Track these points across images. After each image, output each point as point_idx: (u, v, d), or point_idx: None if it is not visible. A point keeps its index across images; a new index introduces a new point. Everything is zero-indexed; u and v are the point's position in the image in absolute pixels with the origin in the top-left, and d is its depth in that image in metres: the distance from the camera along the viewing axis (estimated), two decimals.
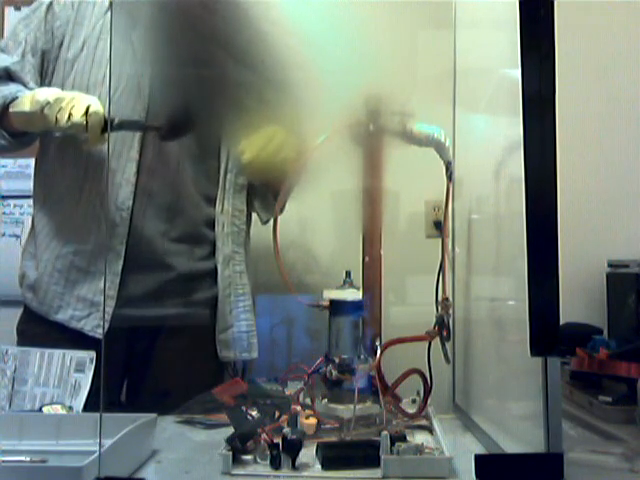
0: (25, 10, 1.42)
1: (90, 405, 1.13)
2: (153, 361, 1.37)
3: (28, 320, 1.37)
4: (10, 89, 1.27)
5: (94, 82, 1.29)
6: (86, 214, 1.30)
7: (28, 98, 1.22)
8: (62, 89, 1.26)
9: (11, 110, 1.24)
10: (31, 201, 1.39)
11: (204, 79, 1.15)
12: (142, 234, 1.31)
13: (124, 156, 1.29)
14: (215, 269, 1.37)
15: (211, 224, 1.37)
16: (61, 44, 1.32)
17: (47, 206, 1.36)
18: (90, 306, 1.30)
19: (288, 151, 1.22)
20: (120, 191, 1.29)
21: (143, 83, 1.29)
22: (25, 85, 1.30)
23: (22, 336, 1.36)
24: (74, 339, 1.28)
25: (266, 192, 1.40)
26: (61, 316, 1.31)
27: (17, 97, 1.25)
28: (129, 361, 1.38)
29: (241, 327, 1.38)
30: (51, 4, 1.34)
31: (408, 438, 0.92)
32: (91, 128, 1.16)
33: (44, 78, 1.34)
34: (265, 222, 1.43)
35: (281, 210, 1.31)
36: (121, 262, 1.29)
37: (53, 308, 1.31)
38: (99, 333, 1.28)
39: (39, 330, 1.34)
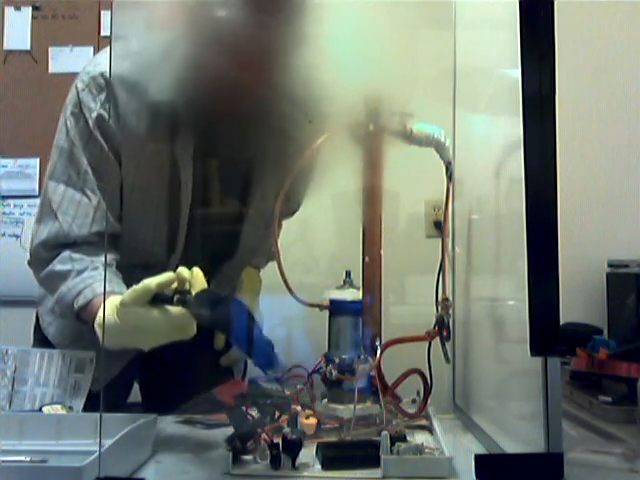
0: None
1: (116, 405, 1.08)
2: (172, 363, 1.36)
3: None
4: (68, 286, 1.08)
5: None
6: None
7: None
8: None
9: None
10: (31, 201, 1.36)
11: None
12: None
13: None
14: None
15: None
16: None
17: None
18: None
19: None
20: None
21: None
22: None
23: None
24: None
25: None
26: None
27: (81, 291, 1.07)
28: (146, 363, 1.37)
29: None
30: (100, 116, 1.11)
31: (408, 438, 0.92)
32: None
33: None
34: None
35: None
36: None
37: None
38: None
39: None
